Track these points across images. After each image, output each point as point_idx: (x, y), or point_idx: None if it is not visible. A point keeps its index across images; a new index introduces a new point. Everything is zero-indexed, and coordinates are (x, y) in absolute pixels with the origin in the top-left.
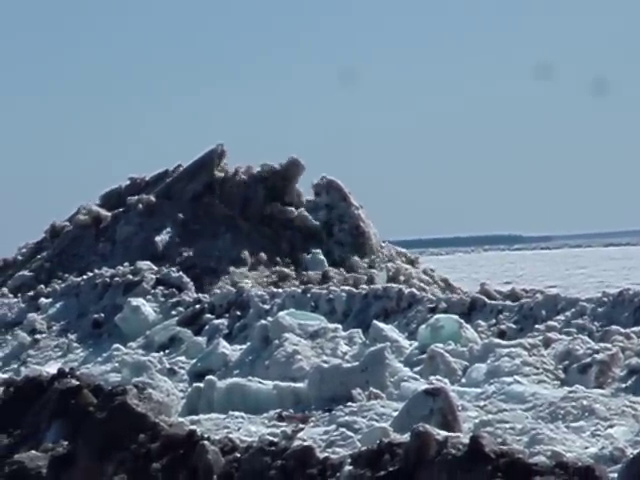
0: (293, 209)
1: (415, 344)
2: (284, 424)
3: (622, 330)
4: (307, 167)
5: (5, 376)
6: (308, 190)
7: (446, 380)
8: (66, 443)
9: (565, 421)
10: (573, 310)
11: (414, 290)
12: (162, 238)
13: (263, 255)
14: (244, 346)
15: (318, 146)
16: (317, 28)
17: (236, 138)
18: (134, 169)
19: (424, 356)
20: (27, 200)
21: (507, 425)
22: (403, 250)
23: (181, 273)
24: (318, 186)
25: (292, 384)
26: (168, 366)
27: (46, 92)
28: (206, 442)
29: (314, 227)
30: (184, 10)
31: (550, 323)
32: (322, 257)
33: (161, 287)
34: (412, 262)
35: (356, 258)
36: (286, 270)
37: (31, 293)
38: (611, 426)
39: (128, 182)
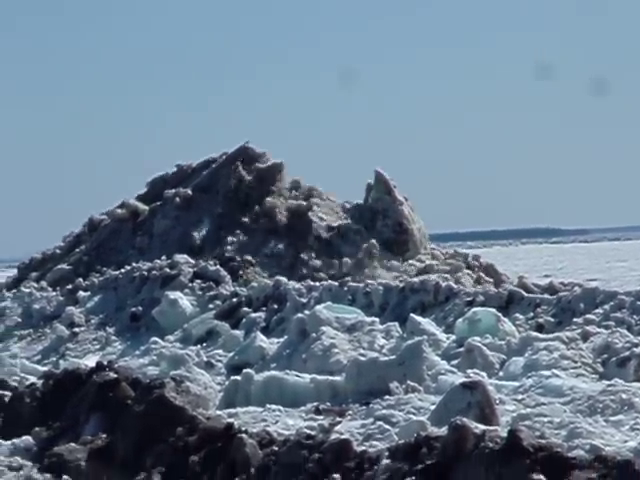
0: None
1: (452, 337)
2: (321, 417)
3: None
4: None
5: (44, 369)
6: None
7: (484, 373)
8: (105, 436)
9: (604, 415)
10: (612, 303)
11: (451, 283)
12: (199, 231)
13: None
14: (281, 339)
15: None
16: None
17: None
18: (179, 158)
19: (461, 349)
20: (69, 192)
21: (545, 419)
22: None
23: (218, 266)
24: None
25: (329, 377)
26: (205, 359)
27: (90, 85)
28: (244, 435)
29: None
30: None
31: (588, 316)
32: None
33: (198, 280)
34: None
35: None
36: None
37: (70, 286)
38: None
39: (175, 169)
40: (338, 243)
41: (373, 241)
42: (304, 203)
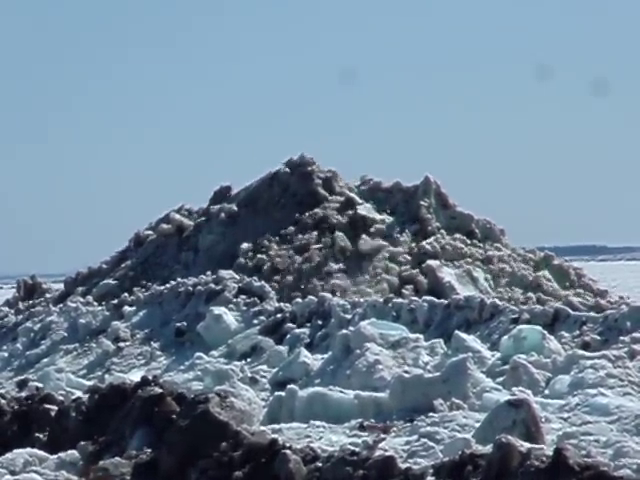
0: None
1: (497, 355)
2: (365, 434)
3: None
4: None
5: (90, 383)
6: None
7: (529, 391)
8: (150, 450)
9: None
10: None
11: (496, 300)
12: (245, 247)
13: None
14: (325, 355)
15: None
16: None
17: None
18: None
19: (506, 367)
20: (116, 207)
21: (591, 437)
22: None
23: (263, 282)
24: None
25: (373, 394)
26: (250, 375)
27: (135, 101)
28: (288, 451)
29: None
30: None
31: (635, 335)
32: None
33: (243, 296)
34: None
35: None
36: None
37: (115, 301)
38: None
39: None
40: None
41: None
42: None
